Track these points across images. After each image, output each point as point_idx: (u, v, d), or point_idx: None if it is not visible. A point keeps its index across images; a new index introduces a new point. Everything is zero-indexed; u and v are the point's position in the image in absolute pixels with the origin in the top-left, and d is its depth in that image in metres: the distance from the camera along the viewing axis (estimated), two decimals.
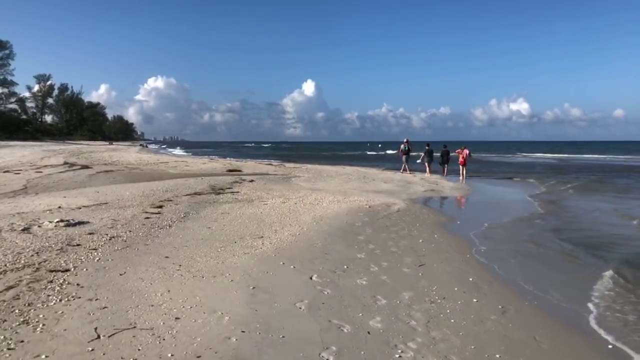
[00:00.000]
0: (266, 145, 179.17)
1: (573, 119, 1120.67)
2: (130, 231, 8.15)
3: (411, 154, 26.69)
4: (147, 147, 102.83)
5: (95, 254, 6.51)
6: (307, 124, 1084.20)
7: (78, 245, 6.95)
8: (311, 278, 5.76)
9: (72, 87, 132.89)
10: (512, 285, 6.07)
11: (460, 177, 23.46)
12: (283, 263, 6.37)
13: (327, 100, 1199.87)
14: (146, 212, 10.19)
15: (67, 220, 8.65)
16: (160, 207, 11.05)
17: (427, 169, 25.44)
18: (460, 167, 24.26)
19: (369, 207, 12.07)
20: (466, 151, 24.36)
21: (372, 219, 10.32)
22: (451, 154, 26.12)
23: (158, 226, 8.72)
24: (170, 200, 12.05)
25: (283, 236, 8.13)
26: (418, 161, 26.14)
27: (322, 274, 5.96)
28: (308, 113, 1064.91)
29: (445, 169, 25.79)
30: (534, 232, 9.72)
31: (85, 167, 25.15)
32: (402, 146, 26.67)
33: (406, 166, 26.26)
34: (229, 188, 15.49)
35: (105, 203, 11.28)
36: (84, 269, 5.74)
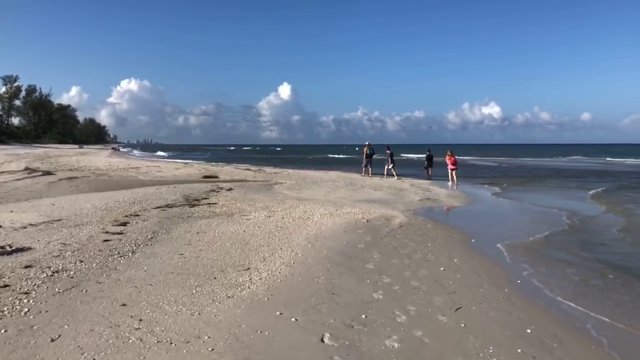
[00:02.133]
0: (234, 148, 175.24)
1: (543, 122, 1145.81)
2: (81, 261, 6.47)
3: (374, 156, 26.89)
4: (119, 150, 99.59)
5: (25, 301, 4.82)
6: (283, 127, 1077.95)
7: (5, 286, 5.24)
8: (322, 340, 4.14)
9: (40, 88, 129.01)
10: (587, 339, 4.58)
11: (450, 182, 22.57)
12: (281, 313, 4.73)
13: (303, 103, 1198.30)
14: (106, 232, 8.48)
15: (2, 247, 6.90)
16: (125, 224, 9.34)
17: (389, 172, 25.23)
18: (450, 171, 23.38)
19: (367, 221, 10.57)
20: (454, 158, 23.72)
21: (375, 238, 8.81)
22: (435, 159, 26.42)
23: (118, 253, 7.05)
24: (137, 215, 10.33)
25: (275, 267, 6.52)
26: (390, 167, 25.73)
27: (335, 330, 4.35)
28: (284, 116, 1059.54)
29: (430, 172, 25.76)
30: (568, 254, 8.33)
31: (48, 173, 23.07)
32: (365, 150, 26.56)
33: (368, 169, 26.27)
34: (205, 198, 13.80)
35: (59, 220, 9.51)
36: (0, 331, 4.06)
